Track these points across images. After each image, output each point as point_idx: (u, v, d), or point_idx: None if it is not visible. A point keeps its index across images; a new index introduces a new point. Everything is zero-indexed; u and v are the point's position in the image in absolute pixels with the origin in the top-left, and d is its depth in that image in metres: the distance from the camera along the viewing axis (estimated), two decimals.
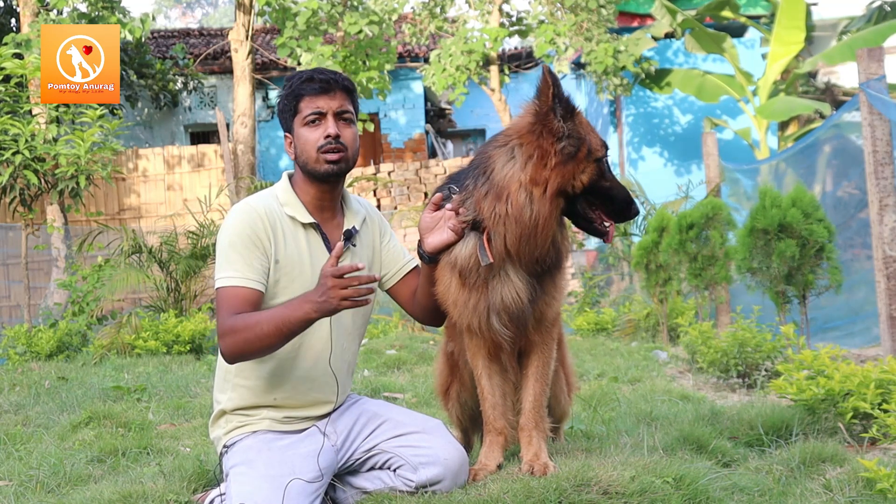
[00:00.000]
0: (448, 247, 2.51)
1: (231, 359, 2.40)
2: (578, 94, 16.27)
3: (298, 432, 2.57)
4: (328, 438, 2.57)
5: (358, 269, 2.21)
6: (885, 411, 3.17)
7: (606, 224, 2.44)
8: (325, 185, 2.56)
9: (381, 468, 2.59)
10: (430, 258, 2.56)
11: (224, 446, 2.57)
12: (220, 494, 2.53)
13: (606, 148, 2.43)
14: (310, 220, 2.53)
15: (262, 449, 2.47)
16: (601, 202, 2.42)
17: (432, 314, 2.70)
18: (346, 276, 2.21)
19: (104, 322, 7.77)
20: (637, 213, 2.47)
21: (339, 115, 2.52)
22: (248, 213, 2.47)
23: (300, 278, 2.49)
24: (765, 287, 5.47)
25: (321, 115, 2.49)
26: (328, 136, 2.48)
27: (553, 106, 2.35)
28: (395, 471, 2.55)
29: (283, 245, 2.48)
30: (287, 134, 2.58)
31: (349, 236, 2.57)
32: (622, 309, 8.52)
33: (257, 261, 2.43)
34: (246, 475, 2.40)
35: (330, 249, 2.54)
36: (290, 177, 2.63)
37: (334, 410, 2.65)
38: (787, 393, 3.57)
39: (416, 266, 2.77)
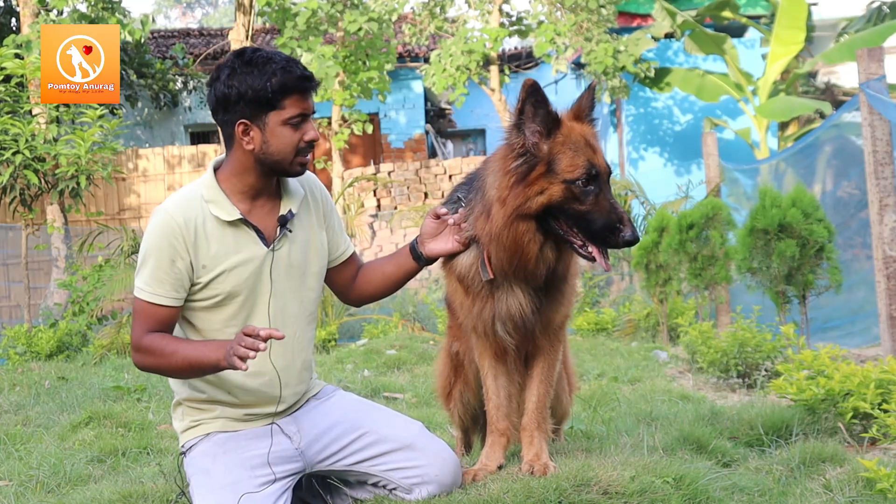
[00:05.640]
0: (451, 254, 2.52)
1: (141, 370, 2.42)
2: (578, 94, 16.24)
3: (257, 428, 2.48)
4: (291, 440, 2.48)
5: (276, 337, 2.12)
6: (885, 411, 3.17)
7: (589, 249, 2.29)
8: (273, 177, 2.44)
9: (371, 485, 2.56)
10: (427, 261, 2.57)
11: (182, 449, 2.51)
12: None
13: (592, 169, 2.26)
14: (235, 216, 2.38)
15: (217, 454, 2.41)
16: (577, 226, 2.28)
17: (371, 300, 2.72)
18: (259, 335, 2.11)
19: (104, 322, 7.76)
20: (628, 240, 2.25)
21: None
22: (165, 223, 2.35)
23: (231, 277, 2.37)
24: (765, 287, 5.47)
25: (305, 118, 2.36)
26: (311, 141, 2.37)
27: (517, 121, 2.30)
28: (389, 491, 2.53)
29: (207, 248, 2.36)
30: (245, 121, 2.32)
31: (284, 222, 2.44)
32: (622, 309, 8.52)
33: (169, 275, 2.33)
34: (205, 486, 2.37)
35: (263, 240, 2.41)
36: (216, 168, 2.45)
37: (291, 407, 2.53)
38: (787, 393, 3.57)
39: (353, 253, 2.68)
